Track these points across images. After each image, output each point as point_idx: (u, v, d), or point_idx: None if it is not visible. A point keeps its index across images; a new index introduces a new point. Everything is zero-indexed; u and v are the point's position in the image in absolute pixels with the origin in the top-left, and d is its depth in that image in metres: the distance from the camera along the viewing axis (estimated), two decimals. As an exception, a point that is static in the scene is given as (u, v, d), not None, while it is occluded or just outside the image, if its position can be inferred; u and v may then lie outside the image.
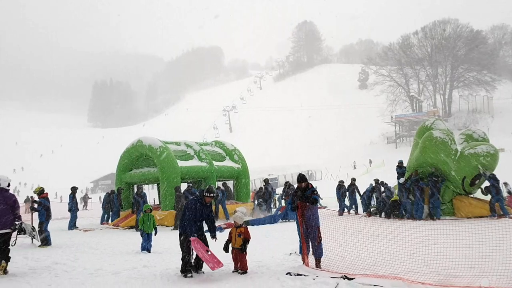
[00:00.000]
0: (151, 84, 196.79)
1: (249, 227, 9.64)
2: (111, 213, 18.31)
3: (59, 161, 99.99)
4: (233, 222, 7.83)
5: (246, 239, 7.48)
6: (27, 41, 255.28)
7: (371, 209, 16.80)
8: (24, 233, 8.65)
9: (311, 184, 7.75)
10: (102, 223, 18.50)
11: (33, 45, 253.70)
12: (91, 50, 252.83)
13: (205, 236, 7.51)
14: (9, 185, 8.07)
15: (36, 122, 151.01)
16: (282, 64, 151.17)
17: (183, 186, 17.31)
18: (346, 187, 18.08)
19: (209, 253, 7.14)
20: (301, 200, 7.44)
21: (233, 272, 7.40)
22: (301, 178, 7.79)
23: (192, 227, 7.30)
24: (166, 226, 15.56)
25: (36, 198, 12.57)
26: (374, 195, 17.65)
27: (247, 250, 7.48)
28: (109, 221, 18.27)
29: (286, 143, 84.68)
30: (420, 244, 8.04)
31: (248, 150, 42.70)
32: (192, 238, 7.19)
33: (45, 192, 12.57)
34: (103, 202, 19.36)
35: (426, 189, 14.18)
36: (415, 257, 7.08)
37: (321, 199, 16.63)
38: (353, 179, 18.97)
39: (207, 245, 7.35)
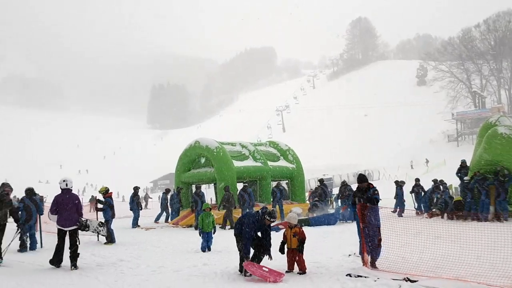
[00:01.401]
0: (205, 86, 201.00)
1: (306, 228, 9.61)
2: (170, 211, 18.87)
3: (120, 162, 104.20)
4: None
5: (302, 239, 7.47)
6: (88, 46, 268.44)
7: (433, 210, 16.22)
8: (89, 229, 9.07)
9: (371, 184, 7.63)
10: (156, 221, 19.10)
11: (94, 50, 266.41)
12: (149, 54, 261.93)
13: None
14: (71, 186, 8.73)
15: (97, 125, 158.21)
16: (336, 62, 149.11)
17: (239, 186, 17.56)
18: (412, 188, 17.81)
19: (267, 269, 7.18)
20: (362, 200, 7.34)
21: (286, 272, 7.42)
22: (362, 178, 7.68)
23: (248, 245, 7.40)
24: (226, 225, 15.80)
25: (101, 197, 13.20)
26: (435, 195, 17.07)
27: (303, 251, 7.48)
28: (169, 219, 18.85)
29: (341, 142, 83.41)
30: (487, 247, 7.67)
31: (302, 149, 42.47)
32: (245, 264, 7.24)
33: (109, 191, 13.16)
34: (161, 202, 19.99)
35: (492, 189, 13.50)
36: (481, 261, 6.76)
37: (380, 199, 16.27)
38: (417, 179, 18.48)
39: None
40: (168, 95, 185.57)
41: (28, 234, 11.18)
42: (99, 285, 7.01)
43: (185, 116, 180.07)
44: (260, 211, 7.65)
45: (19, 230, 10.70)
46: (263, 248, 7.52)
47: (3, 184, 8.98)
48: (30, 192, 11.68)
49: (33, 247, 11.12)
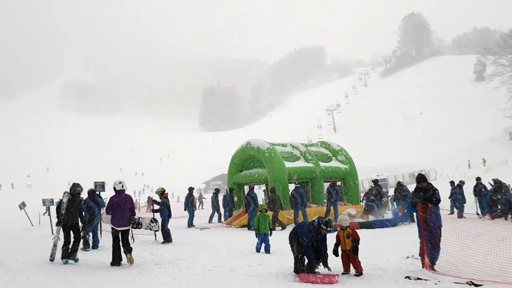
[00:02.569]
0: (255, 87, 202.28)
1: (360, 230, 9.47)
2: (222, 211, 19.18)
3: (174, 164, 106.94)
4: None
5: (356, 240, 7.38)
6: (142, 52, 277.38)
7: (496, 211, 15.46)
8: (141, 226, 9.48)
9: (431, 184, 7.42)
10: (209, 221, 19.45)
11: (147, 56, 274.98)
12: (200, 58, 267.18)
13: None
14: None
15: (152, 128, 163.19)
16: (389, 59, 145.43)
17: (291, 187, 17.54)
18: (473, 188, 17.14)
19: (321, 275, 7.16)
20: (422, 201, 7.15)
21: (342, 274, 7.35)
22: (421, 178, 7.49)
23: (311, 256, 7.38)
24: (277, 226, 15.84)
25: (157, 198, 13.63)
26: (497, 195, 16.23)
27: (359, 252, 7.38)
28: (221, 219, 19.16)
29: (395, 142, 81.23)
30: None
31: (354, 150, 41.70)
32: (299, 276, 7.23)
33: (165, 192, 13.57)
34: (211, 202, 20.34)
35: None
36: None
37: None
38: (479, 179, 17.72)
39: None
40: (218, 97, 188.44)
41: (91, 233, 11.79)
42: (159, 283, 7.25)
43: (235, 118, 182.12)
44: (316, 220, 7.58)
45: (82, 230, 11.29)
46: (321, 258, 7.47)
47: (74, 184, 9.36)
48: (92, 193, 12.33)
49: (95, 245, 11.67)
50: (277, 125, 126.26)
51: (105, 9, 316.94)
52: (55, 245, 9.10)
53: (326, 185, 18.28)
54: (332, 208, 16.76)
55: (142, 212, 26.94)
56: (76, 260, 9.08)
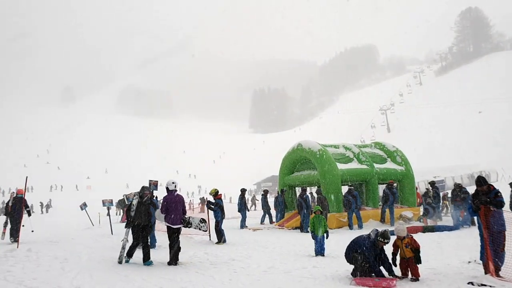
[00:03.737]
0: (305, 88, 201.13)
1: (419, 233, 9.17)
2: (272, 212, 19.21)
3: (225, 166, 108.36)
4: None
5: (417, 249, 7.13)
6: (193, 56, 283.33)
7: None
8: (191, 226, 9.76)
9: (492, 186, 7.05)
10: (261, 223, 19.50)
11: (198, 59, 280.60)
12: (250, 60, 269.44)
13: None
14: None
15: (203, 131, 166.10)
16: (445, 57, 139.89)
17: (344, 189, 17.27)
18: None
19: (378, 279, 7.02)
20: (484, 203, 6.83)
21: (400, 278, 7.15)
22: (482, 180, 7.14)
23: (376, 268, 7.23)
24: (330, 229, 15.65)
25: (211, 199, 13.86)
26: None
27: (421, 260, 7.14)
28: (273, 221, 19.20)
29: (452, 142, 77.97)
30: None
31: (409, 150, 40.38)
32: (356, 280, 7.11)
33: (219, 193, 13.76)
34: (262, 203, 20.41)
35: None
36: None
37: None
38: None
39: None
40: (268, 99, 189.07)
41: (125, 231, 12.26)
42: (215, 283, 7.36)
43: (285, 119, 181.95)
44: (371, 233, 7.41)
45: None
46: (385, 269, 7.30)
47: (143, 187, 9.61)
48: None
49: (152, 245, 12.04)
50: (328, 126, 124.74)
51: (158, 16, 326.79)
52: (123, 247, 9.34)
53: (381, 187, 17.85)
54: (387, 210, 16.35)
55: (195, 213, 27.52)
56: (150, 263, 9.06)
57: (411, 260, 7.12)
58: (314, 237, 10.00)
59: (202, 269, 8.53)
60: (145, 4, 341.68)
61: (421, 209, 17.98)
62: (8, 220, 13.55)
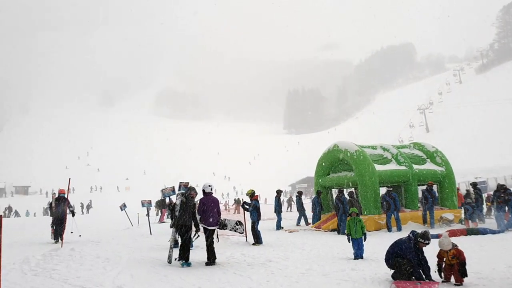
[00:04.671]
0: (341, 88, 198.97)
1: (462, 237, 8.90)
2: (311, 214, 19.09)
3: (260, 167, 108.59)
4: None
5: (463, 262, 6.89)
6: (227, 58, 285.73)
7: None
8: (227, 227, 10.03)
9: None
10: (297, 224, 19.41)
11: (232, 61, 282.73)
12: (284, 60, 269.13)
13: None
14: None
15: (238, 132, 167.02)
16: (486, 54, 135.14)
17: (382, 191, 16.96)
18: None
19: (420, 282, 6.86)
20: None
21: (443, 282, 6.97)
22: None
23: (418, 272, 7.07)
24: (367, 231, 15.42)
25: (247, 200, 13.92)
26: None
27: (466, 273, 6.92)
28: (308, 222, 19.10)
29: (494, 142, 75.19)
30: None
31: (449, 151, 39.25)
32: (396, 283, 6.96)
33: (255, 194, 13.80)
34: (296, 205, 20.31)
35: None
36: None
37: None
38: None
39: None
40: (303, 99, 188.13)
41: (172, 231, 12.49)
42: (252, 284, 7.37)
43: (320, 120, 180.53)
44: (410, 235, 7.24)
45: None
46: (424, 272, 7.12)
47: (189, 188, 9.77)
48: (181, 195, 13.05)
49: (191, 245, 12.24)
50: (364, 126, 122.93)
51: (192, 20, 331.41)
52: (171, 247, 9.48)
53: (421, 189, 17.41)
54: (428, 213, 15.96)
55: (230, 214, 27.75)
56: (189, 264, 9.15)
57: (456, 267, 6.89)
58: (350, 239, 9.75)
59: (240, 270, 8.57)
60: (179, 8, 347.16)
61: (463, 211, 17.44)
62: (53, 221, 13.98)
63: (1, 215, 6.58)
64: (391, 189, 16.23)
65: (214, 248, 9.48)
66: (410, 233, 7.32)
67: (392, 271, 7.28)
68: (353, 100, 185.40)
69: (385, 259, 7.43)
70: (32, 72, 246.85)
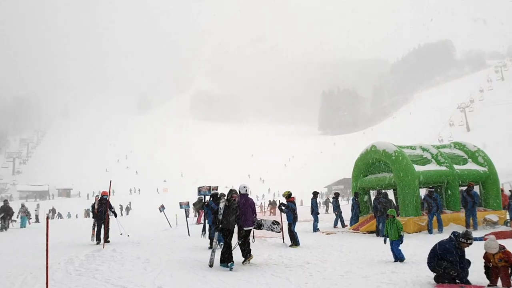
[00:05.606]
0: (377, 88, 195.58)
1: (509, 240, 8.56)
2: (349, 216, 18.87)
3: (295, 168, 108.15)
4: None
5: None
6: (260, 59, 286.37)
7: None
8: (263, 227, 10.22)
9: None
10: (334, 226, 19.22)
11: (266, 62, 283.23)
12: (319, 61, 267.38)
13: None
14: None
15: (273, 134, 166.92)
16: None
17: (422, 192, 16.57)
18: None
19: (464, 286, 6.66)
20: None
21: (488, 286, 6.73)
22: None
23: (462, 274, 6.87)
24: (407, 233, 15.09)
25: (284, 201, 13.89)
26: None
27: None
28: (344, 224, 18.88)
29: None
30: None
31: (492, 150, 37.96)
32: (439, 286, 6.78)
33: (292, 196, 13.75)
34: (333, 207, 20.09)
35: None
36: None
37: None
38: None
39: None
40: (338, 100, 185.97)
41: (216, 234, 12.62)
42: (291, 286, 7.35)
43: (356, 120, 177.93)
44: (452, 235, 7.02)
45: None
46: (463, 273, 6.92)
47: (231, 190, 9.78)
48: (215, 196, 13.27)
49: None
50: (402, 126, 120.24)
51: (225, 22, 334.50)
52: (213, 251, 9.44)
53: (463, 189, 16.90)
54: (468, 214, 15.49)
55: (266, 215, 27.79)
56: (231, 267, 9.00)
57: (503, 269, 6.64)
58: (391, 242, 9.48)
59: (278, 271, 8.56)
60: (213, 11, 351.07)
61: (508, 212, 16.79)
62: (96, 222, 14.37)
63: (48, 217, 6.84)
64: (433, 189, 15.83)
65: (250, 248, 9.61)
66: (451, 234, 7.12)
67: (435, 274, 7.09)
68: (390, 100, 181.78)
69: (427, 261, 7.24)
70: (72, 77, 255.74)
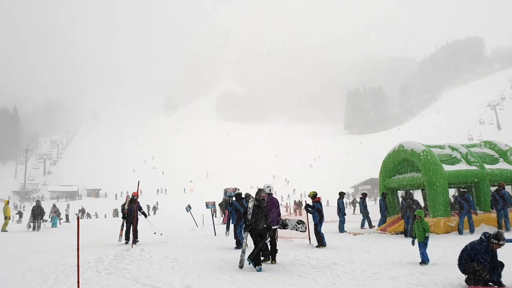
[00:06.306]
0: (404, 86, 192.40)
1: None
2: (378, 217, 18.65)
3: (321, 168, 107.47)
4: None
5: None
6: (285, 59, 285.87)
7: None
8: (288, 227, 10.25)
9: None
10: (361, 227, 19.00)
11: (290, 61, 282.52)
12: (344, 60, 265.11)
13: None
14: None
15: (297, 133, 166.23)
16: None
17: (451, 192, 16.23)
18: None
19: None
20: None
21: None
22: None
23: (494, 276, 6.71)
24: (436, 234, 14.81)
25: (310, 201, 13.81)
26: None
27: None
28: (372, 225, 18.65)
29: None
30: None
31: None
32: None
33: (317, 196, 13.66)
34: (360, 207, 19.86)
35: None
36: None
37: None
38: None
39: None
40: (364, 99, 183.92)
41: (239, 234, 12.83)
42: (318, 287, 7.30)
43: (382, 119, 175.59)
44: (483, 236, 6.84)
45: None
46: (494, 275, 6.73)
47: (259, 189, 9.59)
48: (239, 196, 13.39)
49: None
50: (431, 125, 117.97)
51: (250, 23, 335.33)
52: (243, 252, 9.25)
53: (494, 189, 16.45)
54: (499, 215, 15.09)
55: (292, 216, 27.70)
56: (260, 269, 8.87)
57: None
58: (419, 244, 9.21)
59: (305, 272, 8.52)
60: (238, 12, 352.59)
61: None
62: (125, 223, 14.60)
63: (78, 217, 7.01)
64: (466, 190, 15.48)
65: (277, 249, 9.65)
66: (482, 235, 6.94)
67: (466, 276, 6.93)
68: (417, 98, 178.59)
69: (458, 263, 7.07)
70: (101, 79, 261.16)
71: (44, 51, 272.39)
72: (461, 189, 15.43)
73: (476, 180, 16.63)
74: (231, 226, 14.48)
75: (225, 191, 16.54)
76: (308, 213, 13.48)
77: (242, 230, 12.70)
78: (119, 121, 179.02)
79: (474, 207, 15.07)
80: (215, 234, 16.92)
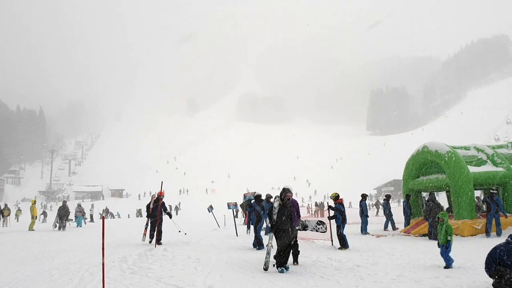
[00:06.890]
0: (428, 86, 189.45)
1: None
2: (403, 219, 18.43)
3: (343, 169, 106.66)
4: None
5: None
6: (306, 59, 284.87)
7: None
8: (308, 228, 10.23)
9: None
10: (385, 229, 18.79)
11: (312, 62, 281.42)
12: (366, 60, 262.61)
13: None
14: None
15: (319, 134, 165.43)
16: None
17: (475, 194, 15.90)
18: None
19: None
20: None
21: None
22: None
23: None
24: (461, 236, 14.54)
25: (332, 203, 13.73)
26: None
27: None
28: (398, 227, 18.42)
29: None
30: None
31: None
32: None
33: (339, 198, 13.56)
34: (384, 209, 19.64)
35: None
36: None
37: None
38: None
39: None
40: (387, 99, 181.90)
41: (259, 235, 12.90)
42: (341, 288, 7.26)
43: (406, 120, 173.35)
44: (509, 238, 6.67)
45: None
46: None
47: (284, 189, 9.30)
48: (258, 198, 13.40)
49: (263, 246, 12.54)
50: (455, 125, 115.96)
51: (269, 25, 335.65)
52: (268, 253, 9.06)
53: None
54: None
55: (313, 218, 27.60)
56: (286, 269, 8.85)
57: None
58: (441, 246, 8.98)
59: (327, 274, 8.46)
60: (257, 15, 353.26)
61: None
62: (149, 222, 14.73)
63: (103, 217, 7.13)
64: (496, 192, 15.15)
65: (299, 250, 9.64)
66: (508, 237, 6.77)
67: (493, 280, 6.77)
68: (441, 98, 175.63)
69: (485, 266, 6.91)
70: (125, 81, 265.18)
71: (68, 55, 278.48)
72: (491, 191, 15.11)
73: (503, 181, 16.25)
74: (251, 227, 14.57)
75: (244, 196, 16.62)
76: (330, 215, 13.36)
77: (259, 231, 12.89)
78: (141, 122, 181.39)
79: (503, 209, 14.72)
80: (237, 235, 16.97)
